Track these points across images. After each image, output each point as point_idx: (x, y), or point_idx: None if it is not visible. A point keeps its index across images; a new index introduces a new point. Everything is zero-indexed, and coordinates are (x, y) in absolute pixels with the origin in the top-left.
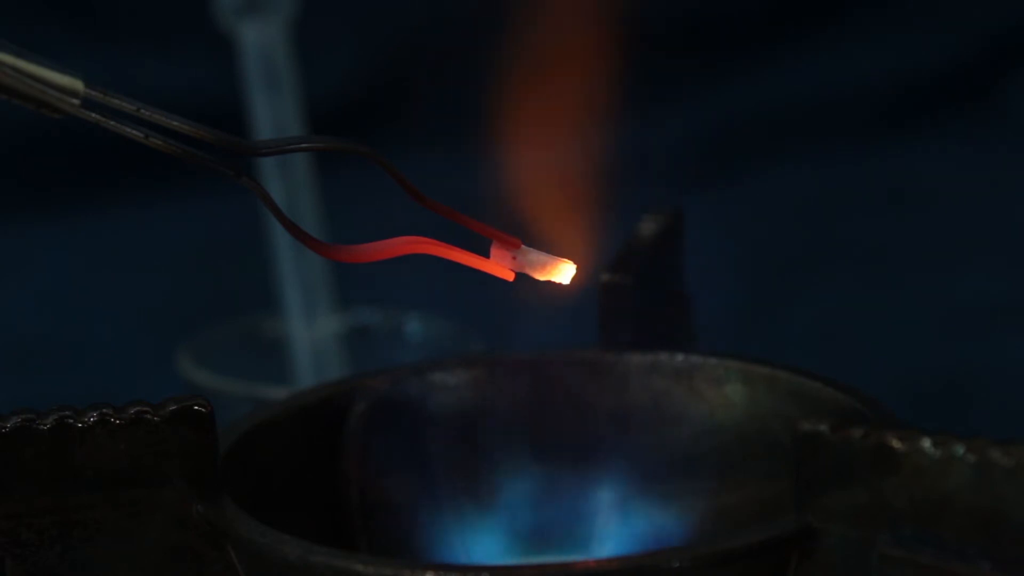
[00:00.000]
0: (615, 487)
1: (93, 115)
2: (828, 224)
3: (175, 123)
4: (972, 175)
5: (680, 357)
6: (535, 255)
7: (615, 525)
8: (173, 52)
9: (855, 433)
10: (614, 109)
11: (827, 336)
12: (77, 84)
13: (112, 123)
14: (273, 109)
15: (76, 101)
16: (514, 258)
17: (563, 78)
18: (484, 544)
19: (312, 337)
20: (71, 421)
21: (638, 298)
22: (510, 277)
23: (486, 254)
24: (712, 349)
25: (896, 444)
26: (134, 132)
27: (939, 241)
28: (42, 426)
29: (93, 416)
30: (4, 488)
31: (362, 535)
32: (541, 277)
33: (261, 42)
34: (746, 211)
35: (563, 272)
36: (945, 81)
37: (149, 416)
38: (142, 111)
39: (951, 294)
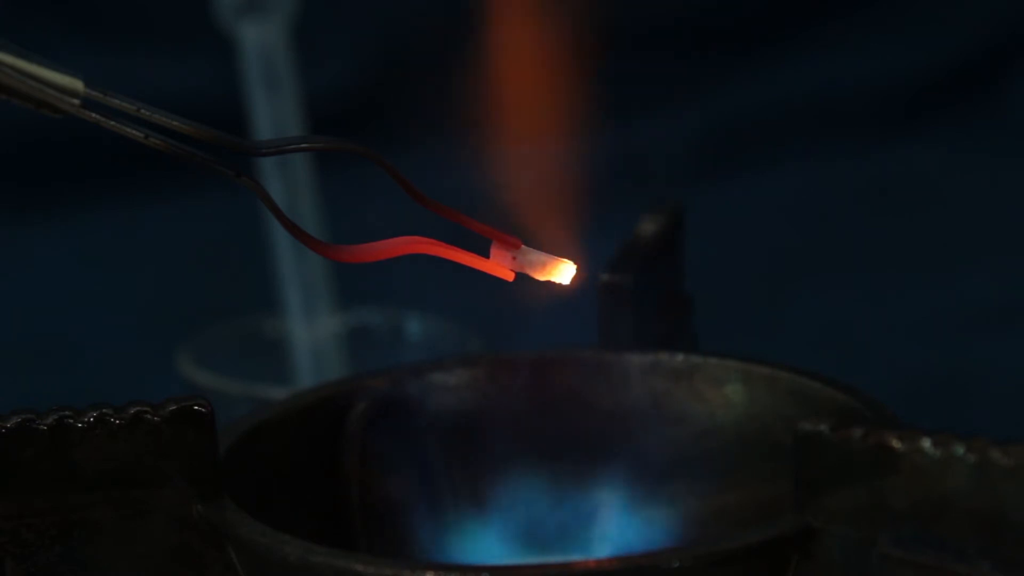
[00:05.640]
0: (615, 487)
1: (93, 115)
2: (828, 224)
3: (175, 123)
4: (973, 175)
5: (680, 357)
6: (535, 255)
7: (615, 525)
8: (173, 52)
9: (855, 433)
10: (615, 109)
11: (827, 336)
12: (77, 84)
13: (112, 123)
14: (273, 109)
15: (76, 101)
16: (514, 258)
17: (564, 77)
18: (484, 544)
19: (312, 337)
20: (71, 421)
21: (638, 298)
22: (510, 277)
23: (486, 254)
24: (712, 349)
25: (896, 444)
26: (134, 132)
27: (939, 241)
28: (42, 426)
29: (93, 416)
30: (4, 488)
31: (362, 535)
32: (541, 277)
33: (261, 42)
34: (747, 211)
35: (563, 272)
36: (946, 81)
37: (149, 416)
38: (142, 111)
39: (951, 294)
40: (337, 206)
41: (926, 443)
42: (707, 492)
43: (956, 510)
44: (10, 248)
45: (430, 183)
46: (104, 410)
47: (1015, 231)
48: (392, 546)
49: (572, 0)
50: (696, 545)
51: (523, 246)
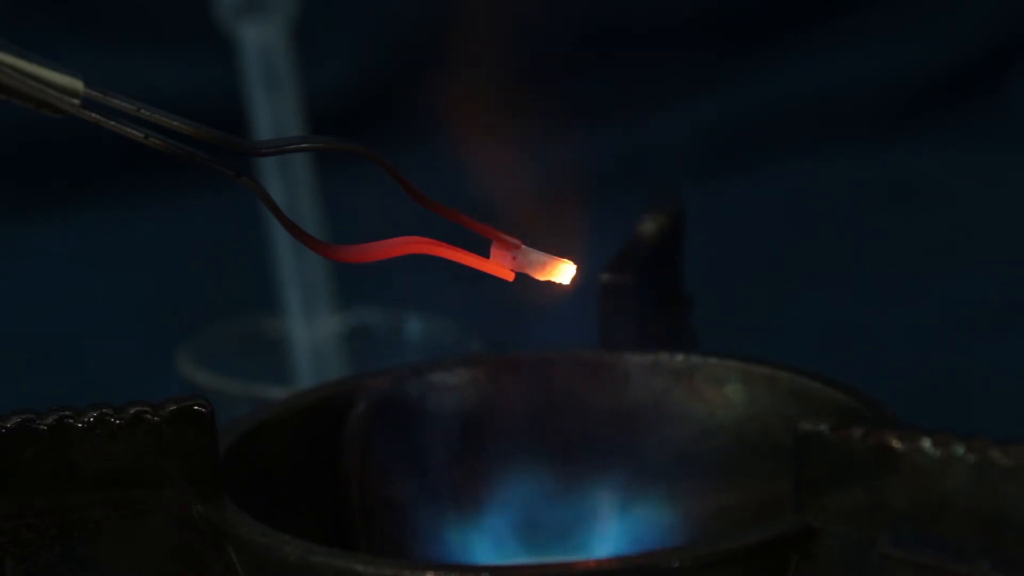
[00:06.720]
0: (615, 487)
1: (93, 115)
2: (828, 223)
3: (175, 123)
4: (973, 175)
5: (680, 357)
6: (535, 255)
7: (615, 525)
8: (173, 52)
9: (855, 433)
10: (615, 108)
11: (827, 336)
12: (77, 84)
13: (112, 123)
14: (273, 109)
15: (76, 101)
16: (514, 258)
17: (564, 77)
18: (484, 544)
19: (312, 337)
20: (71, 421)
21: (638, 298)
22: (510, 277)
23: (486, 254)
24: (712, 349)
25: (896, 444)
26: (134, 132)
27: (939, 241)
28: (42, 426)
29: (93, 416)
30: (4, 488)
31: (362, 535)
32: (541, 277)
33: (261, 42)
34: (747, 211)
35: (563, 272)
36: (947, 80)
37: (149, 416)
38: (142, 111)
39: (951, 294)
40: (337, 206)
41: (926, 443)
42: (707, 492)
43: (956, 510)
44: (10, 248)
45: (430, 183)
46: (104, 410)
47: (1015, 231)
48: (392, 546)
49: (573, 1)
50: (696, 545)
51: (523, 246)
